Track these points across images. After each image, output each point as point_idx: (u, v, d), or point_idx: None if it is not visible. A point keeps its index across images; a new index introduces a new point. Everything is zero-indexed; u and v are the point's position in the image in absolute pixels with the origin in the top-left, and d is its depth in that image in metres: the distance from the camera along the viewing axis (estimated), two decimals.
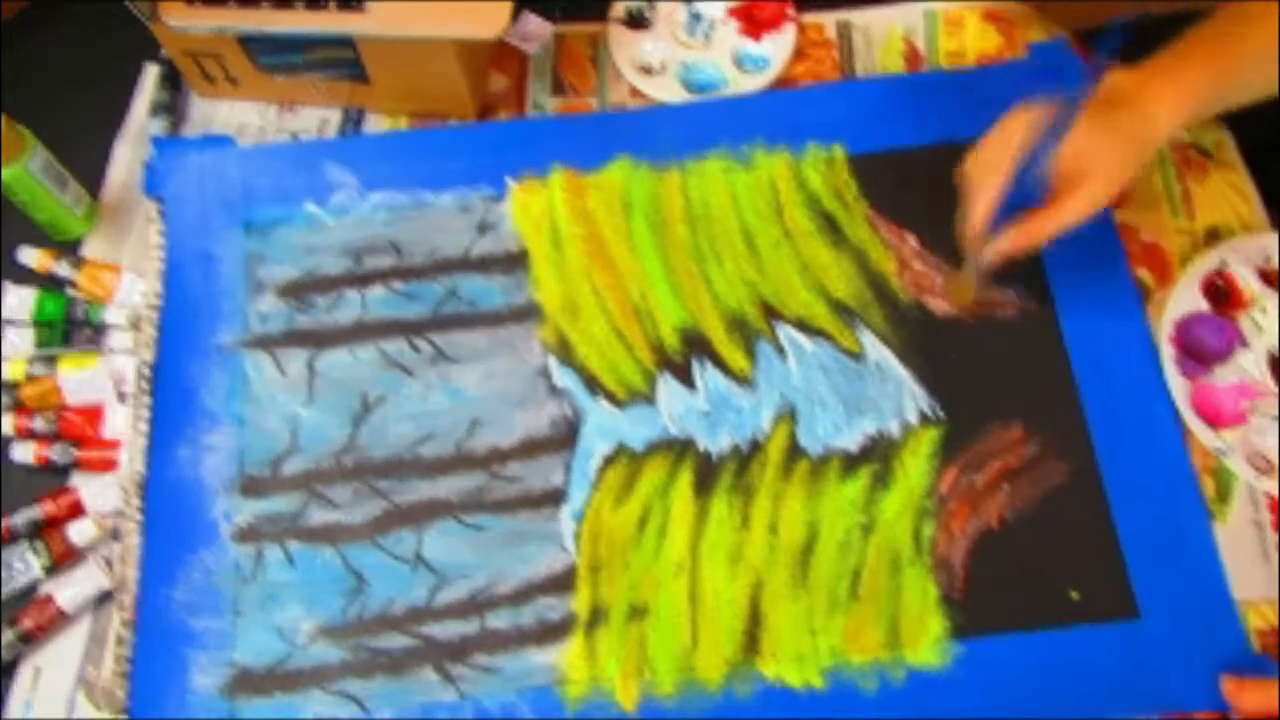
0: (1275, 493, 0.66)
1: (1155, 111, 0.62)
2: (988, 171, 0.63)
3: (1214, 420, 0.67)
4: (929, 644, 0.63)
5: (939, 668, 0.62)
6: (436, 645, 0.64)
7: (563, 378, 0.70)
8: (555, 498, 0.67)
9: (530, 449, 0.68)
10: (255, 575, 0.65)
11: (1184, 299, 0.70)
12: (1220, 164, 0.76)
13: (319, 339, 0.71)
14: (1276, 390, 0.67)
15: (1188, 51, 0.63)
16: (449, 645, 0.64)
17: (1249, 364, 0.69)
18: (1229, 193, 0.75)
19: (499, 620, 0.64)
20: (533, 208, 0.75)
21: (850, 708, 0.62)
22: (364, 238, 0.74)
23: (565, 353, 0.71)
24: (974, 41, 0.81)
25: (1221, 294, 0.71)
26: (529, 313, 0.72)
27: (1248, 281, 0.70)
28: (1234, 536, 0.65)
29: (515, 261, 0.73)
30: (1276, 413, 0.67)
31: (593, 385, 0.70)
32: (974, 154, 0.65)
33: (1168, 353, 0.69)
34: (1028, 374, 0.69)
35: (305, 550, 0.66)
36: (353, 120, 0.80)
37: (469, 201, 0.75)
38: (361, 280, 0.73)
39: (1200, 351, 0.69)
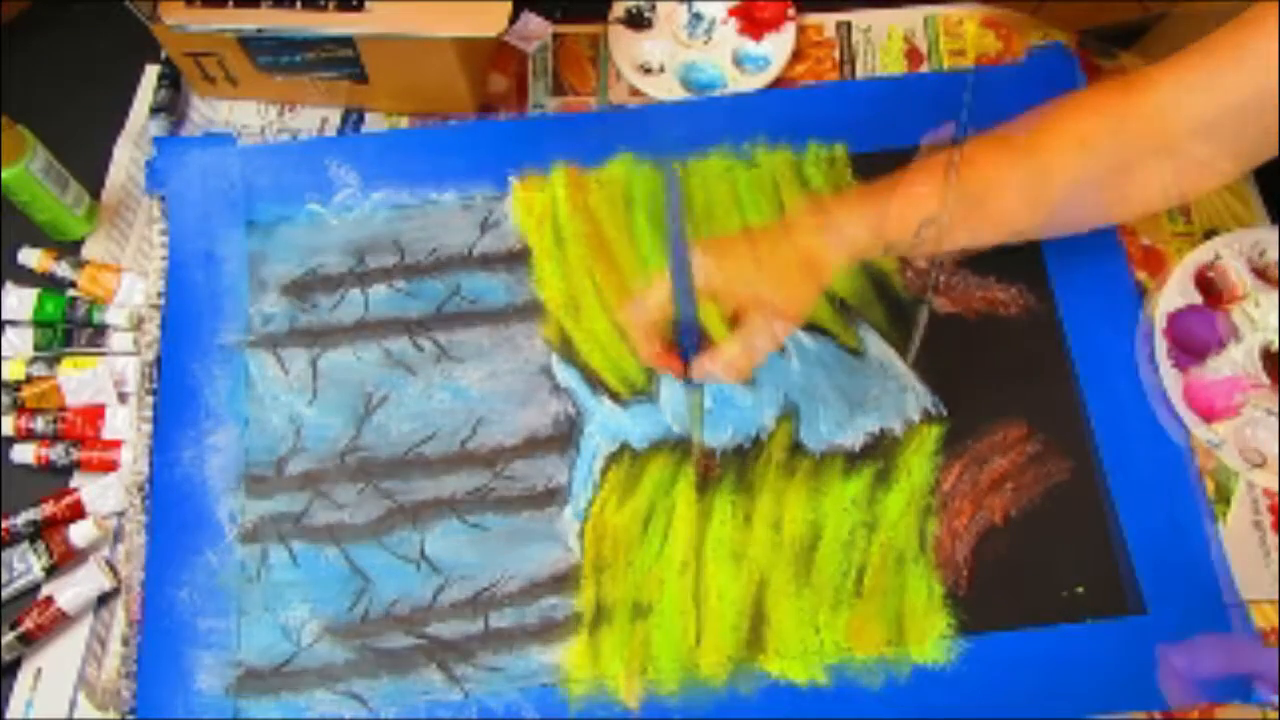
0: (1268, 485, 0.66)
1: (839, 224, 0.60)
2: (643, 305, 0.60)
3: (1206, 413, 0.68)
4: (933, 641, 0.63)
5: (943, 664, 0.63)
6: (441, 645, 0.64)
7: (565, 376, 0.70)
8: (558, 497, 0.67)
9: (533, 447, 0.68)
10: (260, 575, 0.65)
11: (1176, 291, 0.70)
12: None
13: (322, 338, 0.71)
14: (1268, 383, 0.67)
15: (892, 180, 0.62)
16: (453, 645, 0.64)
17: (1241, 357, 0.68)
18: (1226, 194, 0.75)
19: (503, 620, 0.64)
20: (535, 205, 0.74)
21: (854, 705, 0.62)
22: (366, 236, 0.74)
23: (567, 350, 0.71)
24: (973, 46, 0.82)
25: (1214, 287, 0.71)
26: (531, 310, 0.72)
27: (1240, 274, 0.70)
28: (1235, 537, 0.66)
29: (517, 259, 0.73)
30: (1269, 406, 0.67)
31: (595, 383, 0.70)
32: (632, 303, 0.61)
33: (1160, 345, 0.69)
34: (1029, 371, 0.69)
35: (309, 550, 0.66)
36: (352, 121, 0.80)
37: (471, 199, 0.75)
38: (364, 279, 0.73)
39: (1192, 344, 0.69)
